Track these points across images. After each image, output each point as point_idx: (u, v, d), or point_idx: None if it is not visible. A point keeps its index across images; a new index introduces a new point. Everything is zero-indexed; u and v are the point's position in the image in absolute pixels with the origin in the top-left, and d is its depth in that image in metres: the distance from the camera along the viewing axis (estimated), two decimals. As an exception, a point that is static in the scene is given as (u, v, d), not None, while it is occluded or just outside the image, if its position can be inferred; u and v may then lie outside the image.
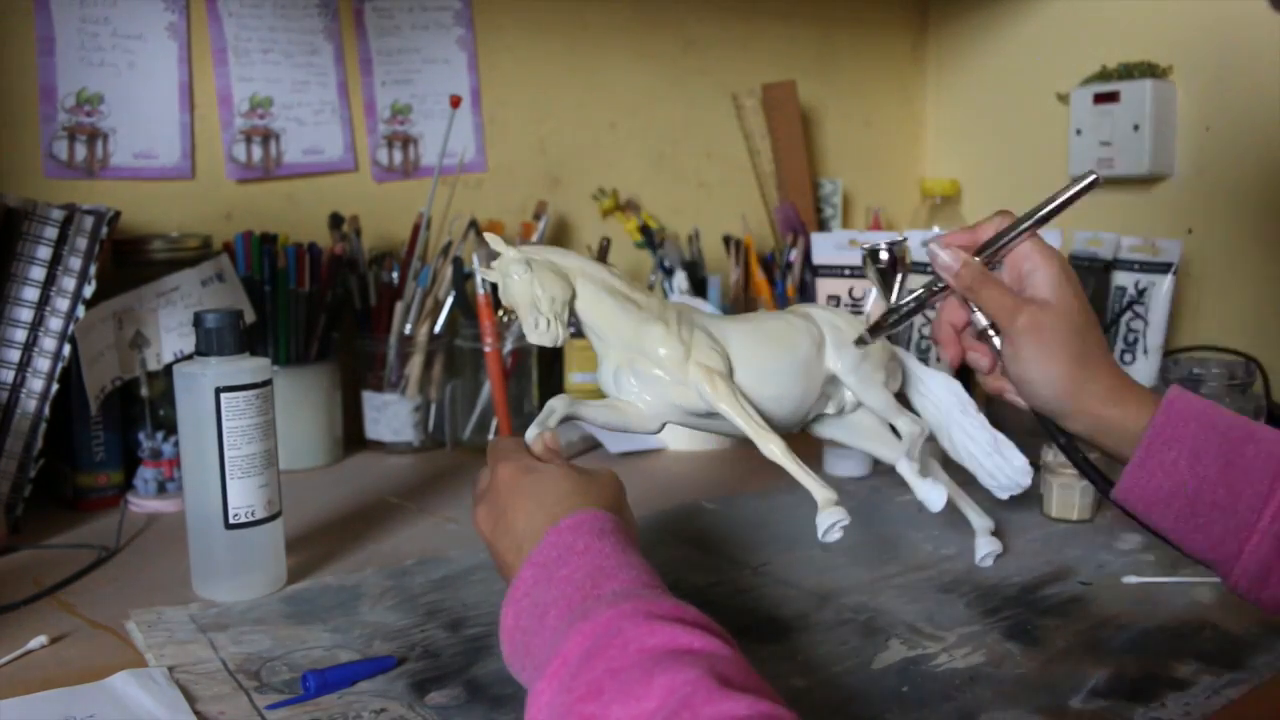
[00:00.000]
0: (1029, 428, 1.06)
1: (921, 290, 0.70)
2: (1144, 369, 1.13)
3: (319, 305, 1.12)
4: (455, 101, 1.18)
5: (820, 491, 0.67)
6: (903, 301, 0.70)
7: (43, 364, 0.91)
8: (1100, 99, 1.35)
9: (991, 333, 0.68)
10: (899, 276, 0.70)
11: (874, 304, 0.75)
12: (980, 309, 0.67)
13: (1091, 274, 1.20)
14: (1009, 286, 0.66)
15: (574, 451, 1.16)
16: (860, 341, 0.72)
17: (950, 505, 0.78)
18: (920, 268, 0.97)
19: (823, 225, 1.54)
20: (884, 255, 0.70)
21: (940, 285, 0.69)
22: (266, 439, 0.75)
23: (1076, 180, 0.66)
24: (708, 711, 0.37)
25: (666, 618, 0.44)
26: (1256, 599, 0.60)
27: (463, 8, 1.30)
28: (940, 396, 0.78)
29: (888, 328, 0.71)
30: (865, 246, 0.71)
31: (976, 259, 0.67)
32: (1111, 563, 0.83)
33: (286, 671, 0.64)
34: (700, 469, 1.12)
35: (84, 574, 0.81)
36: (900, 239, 0.70)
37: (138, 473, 0.99)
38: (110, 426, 0.98)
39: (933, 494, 0.76)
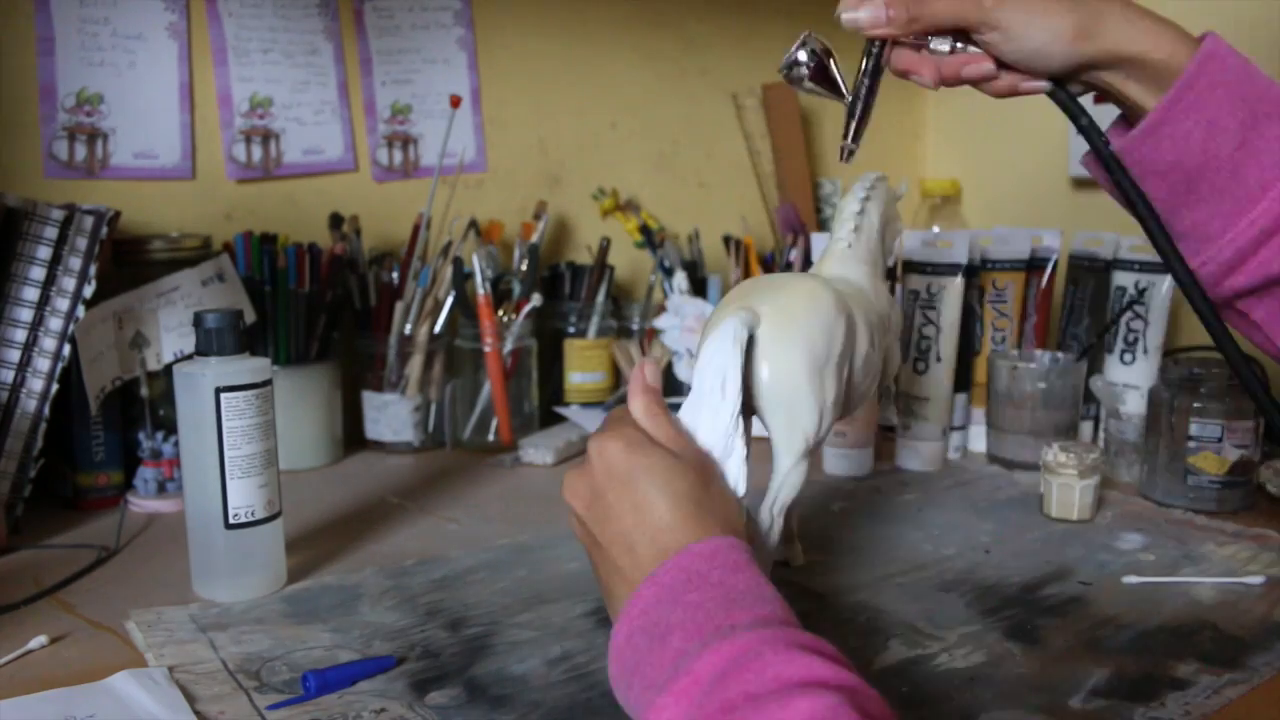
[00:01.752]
0: (1030, 427, 1.06)
1: (864, 62, 0.62)
2: (1144, 369, 1.13)
3: (319, 305, 1.12)
4: (455, 101, 1.18)
5: None
6: (856, 86, 0.62)
7: (43, 364, 0.91)
8: (1100, 98, 1.34)
9: (961, 45, 0.60)
10: (835, 69, 0.62)
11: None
12: (937, 29, 0.59)
13: (1091, 274, 1.20)
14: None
15: (574, 451, 1.17)
16: (846, 154, 0.64)
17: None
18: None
19: (823, 225, 1.54)
20: (803, 60, 0.62)
21: (878, 45, 0.61)
22: (266, 439, 0.75)
23: None
24: None
25: (806, 648, 0.42)
26: (1216, 287, 0.56)
27: (463, 8, 1.30)
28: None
29: (860, 123, 0.63)
30: (781, 71, 0.63)
31: None
32: (1111, 563, 0.83)
33: (286, 671, 0.64)
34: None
35: (84, 574, 0.81)
36: (805, 35, 0.62)
37: (138, 473, 0.99)
38: (110, 426, 0.98)
39: None
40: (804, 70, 0.61)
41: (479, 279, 1.17)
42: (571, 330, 1.30)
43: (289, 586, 0.78)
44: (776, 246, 1.49)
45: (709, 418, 0.59)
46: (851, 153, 0.63)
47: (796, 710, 0.37)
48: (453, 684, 0.63)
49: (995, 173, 1.58)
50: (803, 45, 0.61)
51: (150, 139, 1.12)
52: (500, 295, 1.21)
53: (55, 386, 0.92)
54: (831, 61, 0.62)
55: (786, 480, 0.64)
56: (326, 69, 1.22)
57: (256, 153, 1.19)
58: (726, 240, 1.40)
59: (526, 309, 1.19)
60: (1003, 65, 0.60)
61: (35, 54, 1.06)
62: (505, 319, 1.20)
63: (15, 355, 0.90)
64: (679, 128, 1.48)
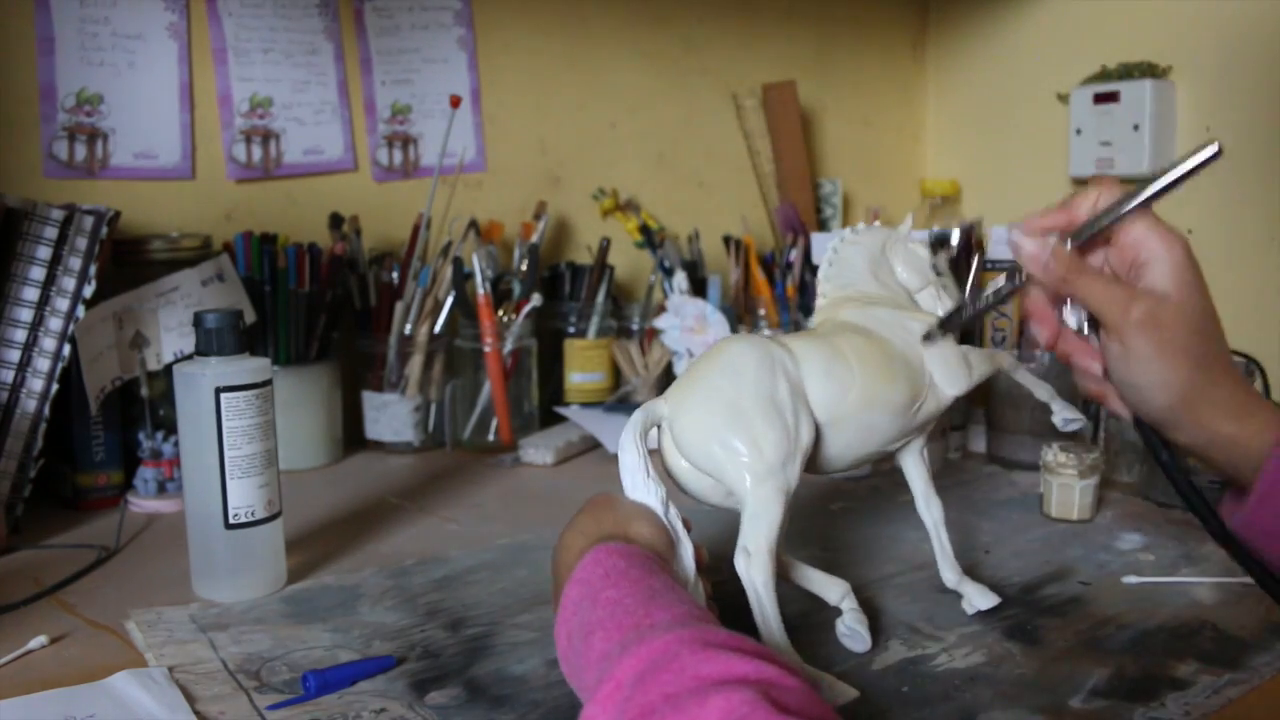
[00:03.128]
0: (1030, 427, 1.06)
1: (1002, 283, 0.62)
2: (1144, 369, 1.13)
3: (319, 305, 1.12)
4: (455, 101, 1.18)
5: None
6: (981, 295, 0.62)
7: (43, 364, 0.91)
8: (1100, 99, 1.35)
9: (1090, 330, 0.59)
10: (974, 264, 0.63)
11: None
12: (1080, 303, 0.59)
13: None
14: (1115, 276, 0.58)
15: (574, 451, 1.17)
16: (928, 338, 0.65)
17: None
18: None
19: (823, 225, 1.54)
20: (955, 241, 0.63)
21: (1024, 277, 0.60)
22: (266, 439, 0.75)
23: (1197, 150, 0.57)
24: None
25: (723, 646, 0.43)
26: None
27: (463, 8, 1.30)
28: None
29: (960, 323, 0.63)
30: (933, 233, 0.63)
31: (1068, 246, 0.58)
32: (1111, 563, 0.83)
33: (286, 671, 0.64)
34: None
35: (84, 574, 0.81)
36: (974, 222, 0.63)
37: (138, 473, 0.99)
38: (110, 426, 0.98)
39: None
40: (949, 249, 0.62)
41: (479, 279, 1.17)
42: (571, 330, 1.30)
43: (289, 586, 0.78)
44: (776, 246, 1.49)
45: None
46: (933, 339, 0.65)
47: (713, 708, 0.38)
48: (453, 684, 0.63)
49: (995, 173, 1.58)
50: (967, 228, 0.62)
51: (150, 139, 1.12)
52: (500, 295, 1.21)
53: (55, 386, 0.92)
54: (977, 258, 0.62)
55: (750, 513, 0.62)
56: (326, 69, 1.22)
57: (256, 153, 1.19)
58: (726, 240, 1.40)
59: (526, 309, 1.19)
60: (1106, 375, 0.60)
61: (35, 54, 1.06)
62: (505, 319, 1.20)
63: (15, 355, 0.90)
64: (679, 128, 1.48)
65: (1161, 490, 0.97)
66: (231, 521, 0.74)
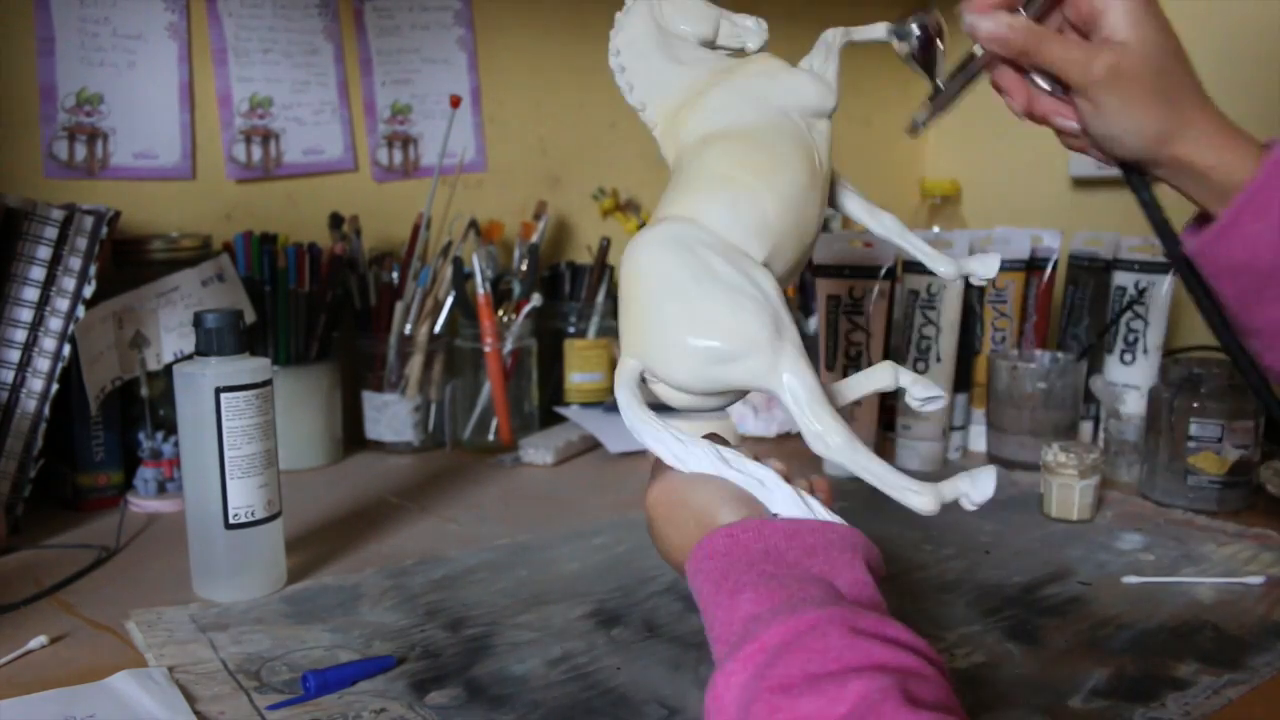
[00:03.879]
0: (1030, 427, 1.06)
1: (967, 61, 0.61)
2: (1144, 369, 1.13)
3: (319, 305, 1.12)
4: (455, 101, 1.18)
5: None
6: (950, 79, 0.62)
7: (43, 364, 0.91)
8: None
9: (1061, 89, 0.59)
10: (938, 52, 0.61)
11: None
12: (1043, 70, 0.59)
13: (1091, 274, 1.20)
14: (1073, 36, 0.58)
15: (574, 451, 1.17)
16: (912, 129, 0.63)
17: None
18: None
19: (823, 225, 1.54)
20: (915, 33, 0.61)
21: (983, 54, 0.61)
22: (266, 439, 0.75)
23: None
24: None
25: (870, 634, 0.43)
26: None
27: (463, 8, 1.30)
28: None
29: (937, 111, 0.63)
30: (891, 28, 0.62)
31: (1023, 14, 0.58)
32: (1111, 563, 0.83)
33: (286, 671, 0.64)
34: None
35: (84, 574, 0.81)
36: (929, 12, 0.61)
37: (138, 473, 0.99)
38: (110, 426, 0.98)
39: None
40: (911, 42, 0.61)
41: (479, 279, 1.17)
42: (571, 330, 1.30)
43: (289, 586, 0.78)
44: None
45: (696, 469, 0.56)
46: (917, 127, 0.64)
47: (850, 692, 0.39)
48: (453, 684, 0.63)
49: (995, 173, 1.58)
50: (919, 19, 0.61)
51: (150, 139, 1.12)
52: (500, 295, 1.21)
53: (55, 386, 0.92)
54: (938, 44, 0.62)
55: (789, 396, 0.55)
56: (326, 69, 1.22)
57: (256, 153, 1.18)
58: (726, 240, 1.40)
59: (526, 309, 1.19)
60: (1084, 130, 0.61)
61: (35, 54, 1.06)
62: (505, 319, 1.20)
63: (15, 355, 0.90)
64: (679, 128, 1.48)
65: (1161, 490, 0.97)
66: (231, 521, 0.74)
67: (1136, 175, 0.60)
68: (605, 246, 1.30)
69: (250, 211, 1.18)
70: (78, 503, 0.97)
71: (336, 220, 1.17)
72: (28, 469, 0.91)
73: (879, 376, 0.63)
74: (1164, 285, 1.13)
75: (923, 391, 0.61)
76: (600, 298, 1.30)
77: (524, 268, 1.22)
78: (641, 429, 0.56)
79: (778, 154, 0.60)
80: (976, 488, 0.57)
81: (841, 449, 0.55)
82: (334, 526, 0.93)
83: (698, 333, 0.55)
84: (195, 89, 1.15)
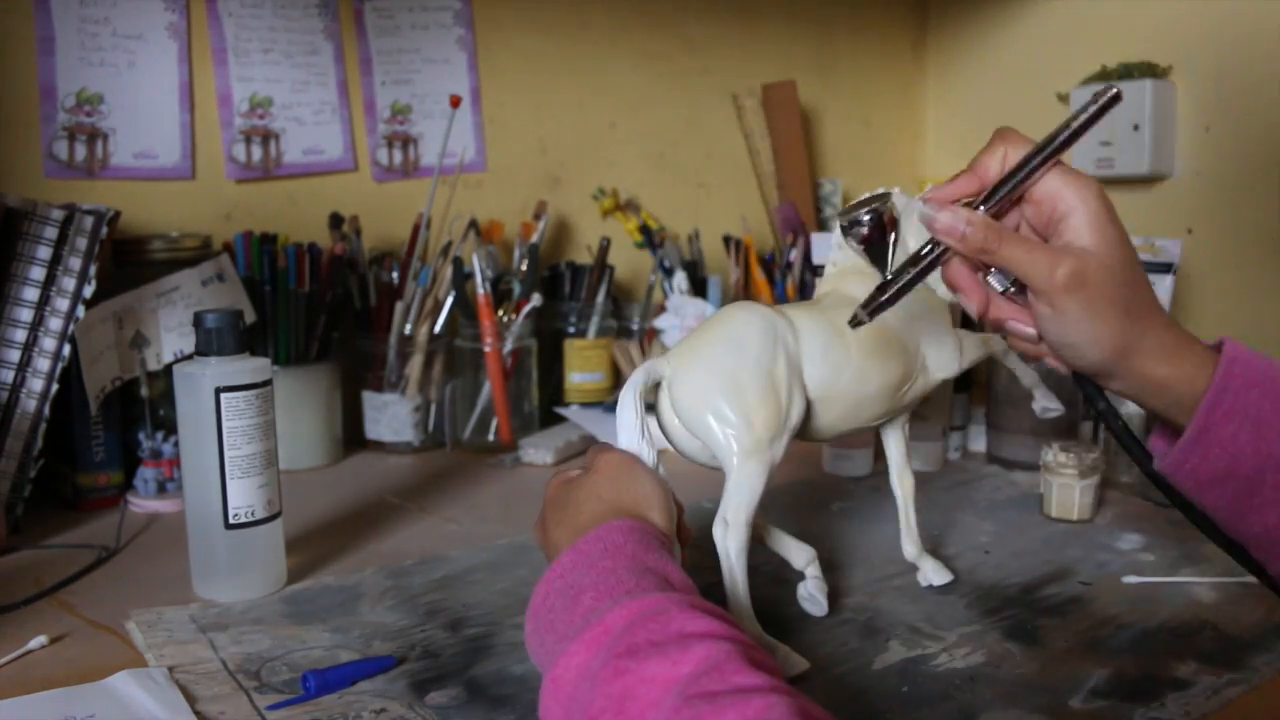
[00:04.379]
0: (1030, 427, 1.06)
1: (925, 253, 0.58)
2: (1144, 369, 1.13)
3: (319, 305, 1.12)
4: (455, 101, 1.18)
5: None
6: (902, 267, 0.59)
7: (43, 364, 0.91)
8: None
9: (1016, 290, 0.57)
10: (891, 240, 0.60)
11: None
12: (1002, 270, 0.56)
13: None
14: (1034, 237, 0.56)
15: (574, 451, 1.17)
16: (854, 322, 0.61)
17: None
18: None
19: (823, 225, 1.54)
20: (865, 223, 0.59)
21: (940, 247, 0.57)
22: (266, 439, 0.75)
23: (1097, 95, 0.55)
24: (735, 679, 0.41)
25: (706, 611, 0.47)
26: None
27: (463, 8, 1.30)
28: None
29: (884, 304, 0.60)
30: (841, 219, 0.61)
31: (981, 211, 0.56)
32: (1111, 563, 0.83)
33: (286, 671, 0.64)
34: (700, 469, 1.12)
35: (84, 574, 0.81)
36: (881, 195, 0.60)
37: (138, 473, 0.99)
38: (110, 426, 0.98)
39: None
40: (861, 231, 0.60)
41: (479, 279, 1.17)
42: (571, 330, 1.30)
43: (289, 586, 0.78)
44: (776, 246, 1.49)
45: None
46: (860, 322, 0.60)
47: (693, 654, 0.42)
48: (453, 684, 0.63)
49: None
50: (872, 207, 0.59)
51: (150, 139, 1.12)
52: (500, 295, 1.21)
53: (55, 386, 0.92)
54: (892, 236, 0.60)
55: (733, 484, 0.64)
56: (326, 69, 1.22)
57: (256, 153, 1.19)
58: (726, 240, 1.40)
59: (526, 309, 1.19)
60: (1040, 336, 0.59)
61: (35, 54, 1.06)
62: (505, 319, 1.20)
63: (15, 355, 0.90)
64: (679, 128, 1.48)
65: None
66: (231, 521, 0.74)
67: (1092, 386, 0.58)
68: (605, 246, 1.30)
69: (250, 211, 1.18)
70: (78, 503, 0.97)
71: (336, 220, 1.17)
72: (28, 469, 0.91)
73: (798, 555, 0.74)
74: (1164, 285, 1.13)
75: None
76: (600, 298, 1.30)
77: (524, 268, 1.22)
78: (627, 403, 0.65)
79: (887, 352, 0.71)
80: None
81: (728, 549, 0.64)
82: (334, 526, 0.93)
83: (724, 386, 0.64)
84: (195, 89, 1.15)
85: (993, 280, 0.57)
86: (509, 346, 1.19)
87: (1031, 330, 0.57)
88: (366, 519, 0.95)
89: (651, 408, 0.67)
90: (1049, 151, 0.54)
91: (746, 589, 0.64)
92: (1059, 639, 0.69)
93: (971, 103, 1.63)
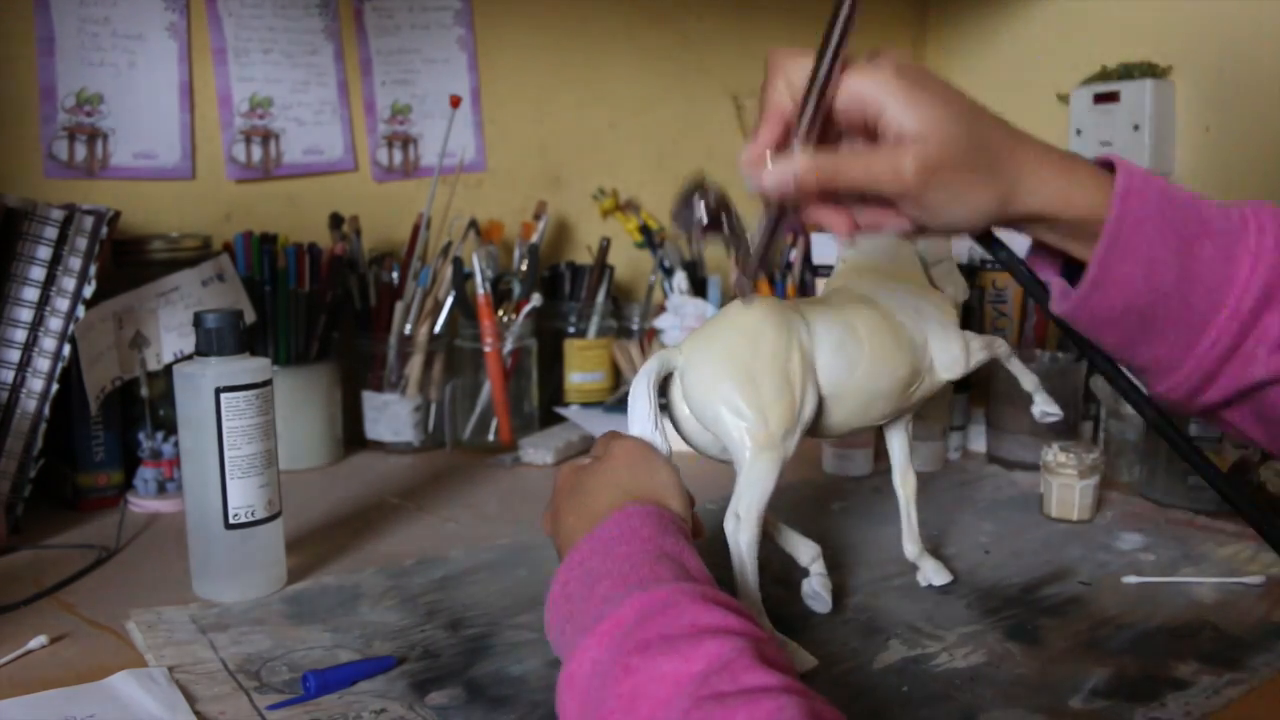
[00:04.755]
0: (1030, 427, 1.06)
1: (767, 213, 0.55)
2: (1144, 369, 1.13)
3: (319, 305, 1.12)
4: (455, 101, 1.18)
5: None
6: (752, 237, 0.57)
7: (43, 364, 0.91)
8: (1100, 99, 1.35)
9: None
10: (734, 218, 0.58)
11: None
12: (852, 190, 0.53)
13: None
14: (865, 146, 0.53)
15: (574, 451, 1.17)
16: (743, 296, 0.60)
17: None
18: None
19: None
20: (700, 217, 0.57)
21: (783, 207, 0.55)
22: (266, 439, 0.75)
23: None
24: (745, 678, 0.40)
25: (719, 603, 0.46)
26: (1188, 404, 0.56)
27: (463, 8, 1.30)
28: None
29: (753, 272, 0.58)
30: (674, 224, 0.60)
31: (807, 150, 0.52)
32: (1111, 563, 0.83)
33: (286, 671, 0.64)
34: (700, 469, 1.12)
35: (84, 574, 0.81)
36: (697, 183, 0.58)
37: (138, 473, 0.99)
38: (110, 426, 0.98)
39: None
40: (699, 222, 0.58)
41: (479, 279, 1.17)
42: (571, 330, 1.30)
43: (289, 586, 0.78)
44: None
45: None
46: (746, 293, 0.59)
47: (704, 649, 0.42)
48: (453, 684, 0.63)
49: (995, 173, 1.58)
50: (698, 199, 0.57)
51: (150, 139, 1.12)
52: (500, 295, 1.21)
53: (55, 386, 0.92)
54: (726, 213, 0.58)
55: (746, 479, 0.64)
56: (326, 69, 1.22)
57: (256, 153, 1.18)
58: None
59: (526, 309, 1.19)
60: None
61: (35, 54, 1.06)
62: (505, 319, 1.20)
63: (15, 355, 0.90)
64: (679, 128, 1.48)
65: (1162, 490, 0.97)
66: (231, 521, 0.74)
67: (988, 239, 0.56)
68: (605, 246, 1.30)
69: (250, 211, 1.18)
70: (78, 503, 0.97)
71: (336, 220, 1.17)
72: (28, 469, 0.91)
73: (804, 551, 0.74)
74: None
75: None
76: (600, 298, 1.30)
77: (524, 268, 1.22)
78: (640, 394, 0.65)
79: (899, 351, 0.71)
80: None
81: (739, 544, 0.64)
82: (334, 526, 0.93)
83: (738, 378, 0.64)
84: (195, 89, 1.15)
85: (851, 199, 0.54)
86: (509, 346, 1.19)
87: (906, 223, 0.54)
88: (366, 519, 0.95)
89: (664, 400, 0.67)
90: (830, 54, 0.51)
91: (757, 584, 0.64)
92: (1059, 639, 0.69)
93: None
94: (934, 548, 0.86)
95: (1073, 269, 0.56)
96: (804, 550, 0.74)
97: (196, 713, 0.58)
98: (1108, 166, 0.54)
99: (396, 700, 0.61)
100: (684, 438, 0.68)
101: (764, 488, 0.64)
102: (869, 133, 0.52)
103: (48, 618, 0.73)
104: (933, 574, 0.77)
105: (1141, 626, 0.71)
